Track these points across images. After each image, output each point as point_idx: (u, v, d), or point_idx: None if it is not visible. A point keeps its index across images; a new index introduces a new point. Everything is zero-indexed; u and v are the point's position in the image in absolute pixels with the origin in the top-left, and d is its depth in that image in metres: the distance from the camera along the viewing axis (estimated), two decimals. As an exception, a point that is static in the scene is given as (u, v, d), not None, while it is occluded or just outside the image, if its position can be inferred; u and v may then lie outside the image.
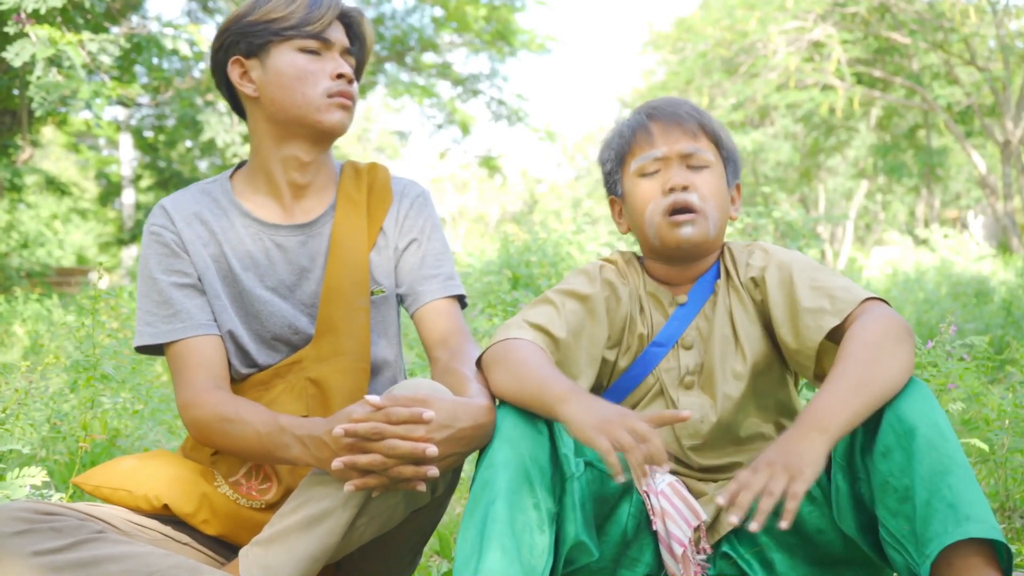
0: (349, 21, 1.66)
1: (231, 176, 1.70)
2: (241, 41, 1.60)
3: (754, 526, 1.22)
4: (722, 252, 1.68)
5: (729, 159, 1.65)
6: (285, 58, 1.59)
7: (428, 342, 1.67)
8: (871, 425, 1.37)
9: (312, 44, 1.60)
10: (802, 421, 1.32)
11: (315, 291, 1.65)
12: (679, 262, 1.64)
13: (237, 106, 1.69)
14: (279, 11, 1.59)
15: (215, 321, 1.61)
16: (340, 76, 1.61)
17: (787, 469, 1.26)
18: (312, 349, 1.62)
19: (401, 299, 1.72)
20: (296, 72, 1.59)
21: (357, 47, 1.68)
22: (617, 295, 1.64)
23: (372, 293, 1.67)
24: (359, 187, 1.70)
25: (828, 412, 1.31)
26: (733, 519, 1.23)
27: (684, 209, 1.57)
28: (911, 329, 1.43)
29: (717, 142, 1.63)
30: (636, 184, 1.62)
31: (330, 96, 1.60)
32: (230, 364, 1.62)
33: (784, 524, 1.24)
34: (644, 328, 1.65)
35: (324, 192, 1.69)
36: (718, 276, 1.65)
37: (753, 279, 1.62)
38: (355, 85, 1.64)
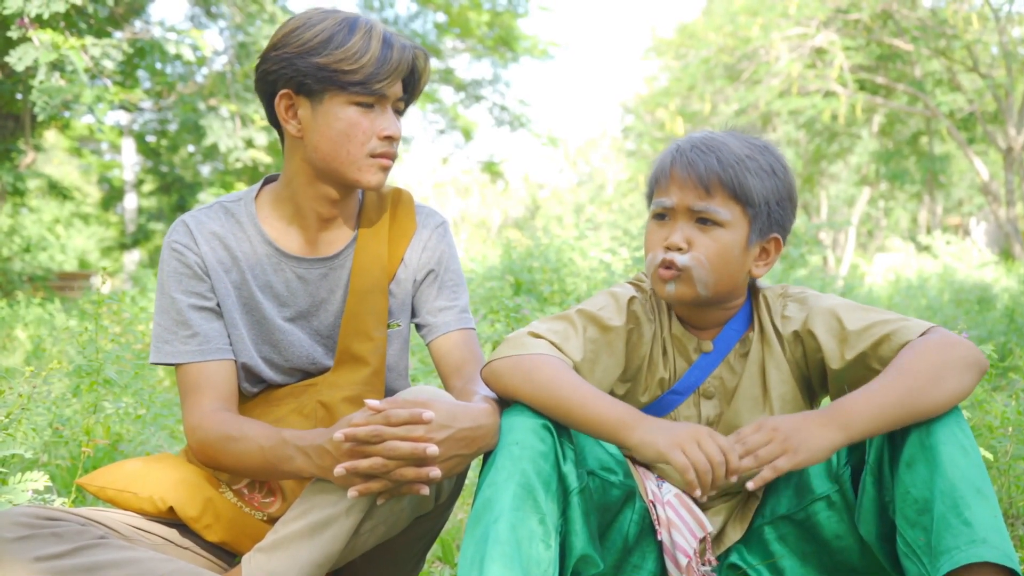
0: (411, 70, 1.59)
1: (256, 195, 1.67)
2: (296, 76, 1.52)
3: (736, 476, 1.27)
4: (754, 298, 1.61)
5: (758, 216, 1.51)
6: (339, 111, 1.53)
7: (443, 371, 1.67)
8: (901, 435, 1.37)
9: (369, 100, 1.54)
10: (831, 410, 1.33)
11: (333, 322, 1.65)
12: (690, 308, 1.59)
13: (274, 121, 1.62)
14: (348, 63, 1.50)
15: (231, 346, 1.60)
16: (387, 137, 1.57)
17: (785, 443, 1.28)
18: (330, 376, 1.64)
19: (417, 327, 1.72)
20: (345, 127, 1.53)
21: (411, 92, 1.63)
22: (640, 331, 1.59)
23: (388, 326, 1.67)
24: (381, 213, 1.69)
25: (859, 413, 1.32)
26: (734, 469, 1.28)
27: (671, 267, 1.51)
28: (986, 364, 1.41)
29: (743, 198, 1.49)
30: (650, 225, 1.57)
31: (373, 156, 1.56)
32: (240, 385, 1.62)
33: (751, 485, 1.26)
34: (666, 373, 1.60)
35: (349, 221, 1.68)
36: (749, 325, 1.59)
37: (796, 333, 1.54)
38: (398, 143, 1.60)
